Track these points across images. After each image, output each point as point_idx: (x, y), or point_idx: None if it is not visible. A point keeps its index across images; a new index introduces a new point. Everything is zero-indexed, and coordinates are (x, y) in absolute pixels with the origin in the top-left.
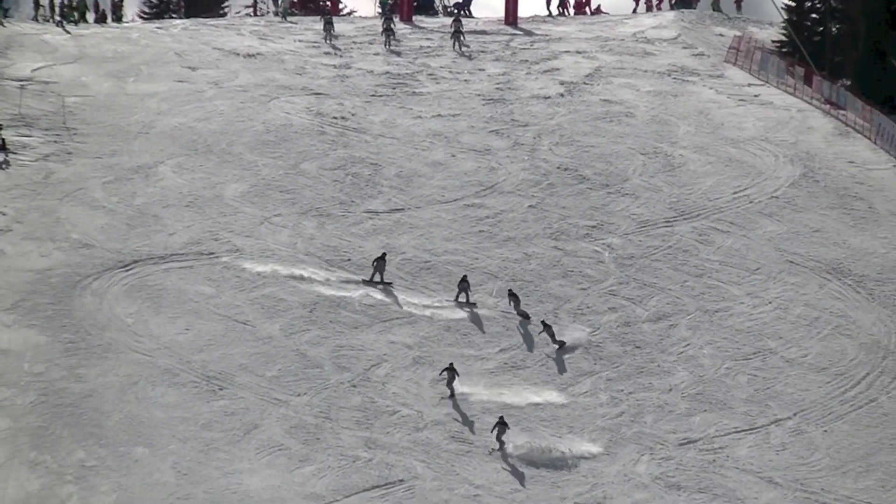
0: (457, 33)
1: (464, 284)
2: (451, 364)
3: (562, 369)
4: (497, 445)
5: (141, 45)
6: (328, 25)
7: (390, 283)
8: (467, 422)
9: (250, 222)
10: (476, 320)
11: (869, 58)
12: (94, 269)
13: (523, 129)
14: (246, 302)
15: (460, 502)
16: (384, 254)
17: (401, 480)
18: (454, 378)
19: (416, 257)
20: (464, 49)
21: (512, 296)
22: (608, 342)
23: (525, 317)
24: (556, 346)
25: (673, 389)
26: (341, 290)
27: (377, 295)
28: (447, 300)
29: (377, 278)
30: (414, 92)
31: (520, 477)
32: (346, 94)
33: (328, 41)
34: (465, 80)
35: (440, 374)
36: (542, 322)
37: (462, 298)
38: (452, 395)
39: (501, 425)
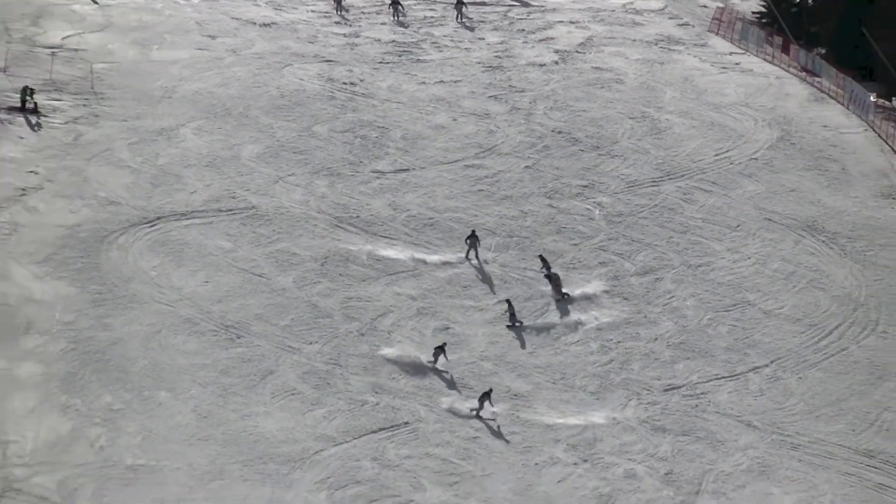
0: (459, 4)
1: (473, 241)
2: (444, 344)
3: (554, 320)
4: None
5: (164, 16)
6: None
7: (486, 261)
8: (467, 367)
9: (266, 181)
10: (476, 274)
11: (843, 28)
12: (120, 225)
13: (520, 95)
14: (261, 256)
15: (461, 443)
16: (473, 231)
17: (406, 423)
18: (441, 354)
19: (420, 214)
20: (465, 20)
21: (543, 260)
22: (599, 294)
23: (555, 278)
24: (559, 298)
25: (658, 339)
26: (350, 244)
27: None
28: (457, 256)
29: (472, 255)
30: (418, 59)
31: (517, 421)
32: (355, 62)
33: (339, 12)
34: (466, 49)
35: (432, 355)
36: (550, 275)
37: (472, 255)
38: (434, 362)
39: (485, 395)
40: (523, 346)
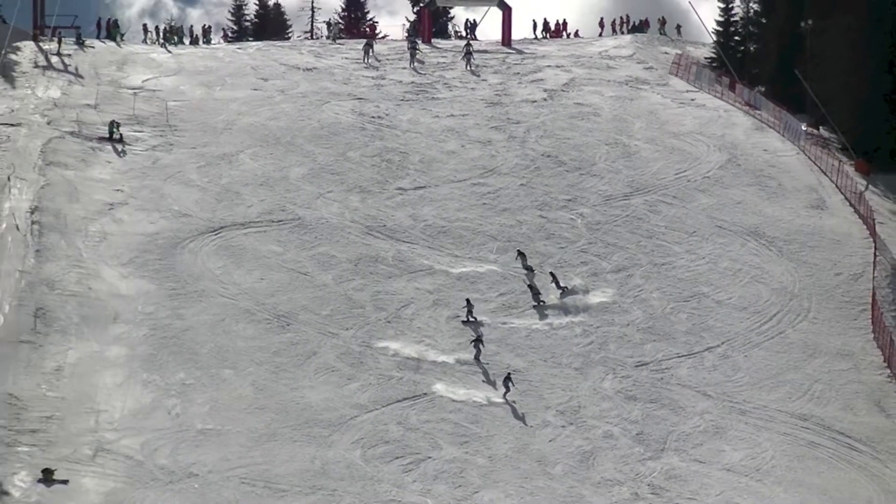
0: (467, 54)
1: (523, 260)
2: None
3: (546, 309)
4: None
5: (225, 62)
6: (367, 48)
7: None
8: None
9: (309, 197)
10: (480, 274)
11: (779, 70)
12: (191, 234)
13: (516, 126)
14: (306, 258)
15: (470, 410)
16: (519, 251)
17: (424, 394)
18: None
19: (435, 223)
20: (472, 67)
21: (520, 254)
22: (581, 289)
23: (530, 269)
24: (560, 291)
25: (630, 324)
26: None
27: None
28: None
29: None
30: (433, 97)
31: (516, 391)
32: (382, 99)
33: (367, 60)
34: (472, 88)
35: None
36: (550, 273)
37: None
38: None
39: (477, 340)
40: (480, 343)
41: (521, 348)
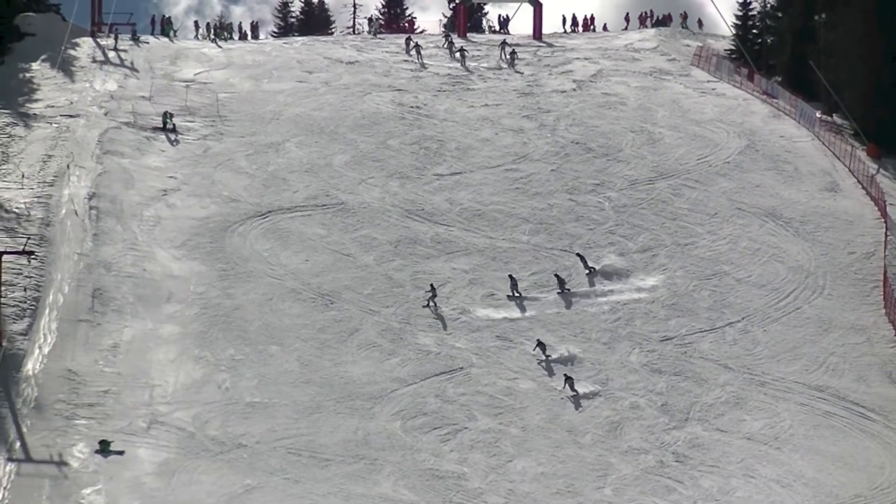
0: (503, 44)
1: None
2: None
3: (575, 287)
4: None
5: (272, 56)
6: (409, 41)
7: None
8: (508, 325)
9: (351, 183)
10: (514, 252)
11: (794, 61)
12: (240, 218)
13: (546, 115)
14: (349, 240)
15: (504, 383)
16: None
17: (461, 368)
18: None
19: (470, 207)
20: (510, 57)
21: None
22: (607, 268)
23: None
24: (587, 272)
25: (655, 301)
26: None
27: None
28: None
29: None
30: (468, 88)
31: (546, 368)
32: (420, 90)
33: (408, 52)
34: (505, 80)
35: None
36: (577, 254)
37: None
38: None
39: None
40: (444, 325)
41: (552, 324)
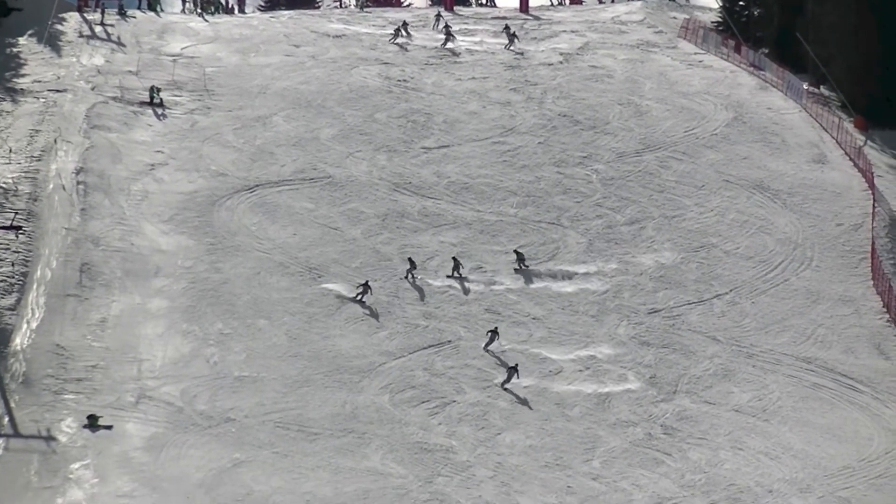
0: (511, 35)
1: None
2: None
3: (563, 259)
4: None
5: (259, 30)
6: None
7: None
8: (496, 297)
9: (339, 156)
10: (502, 225)
11: (781, 33)
12: (227, 192)
13: (533, 87)
14: (336, 214)
15: (492, 357)
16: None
17: (449, 341)
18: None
19: (458, 180)
20: (447, 30)
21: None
22: (596, 240)
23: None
24: (518, 268)
25: (643, 273)
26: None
27: (432, 207)
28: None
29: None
30: (455, 62)
31: (537, 341)
32: (407, 63)
33: (398, 37)
34: (492, 53)
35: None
36: (515, 251)
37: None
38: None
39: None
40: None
41: (540, 297)
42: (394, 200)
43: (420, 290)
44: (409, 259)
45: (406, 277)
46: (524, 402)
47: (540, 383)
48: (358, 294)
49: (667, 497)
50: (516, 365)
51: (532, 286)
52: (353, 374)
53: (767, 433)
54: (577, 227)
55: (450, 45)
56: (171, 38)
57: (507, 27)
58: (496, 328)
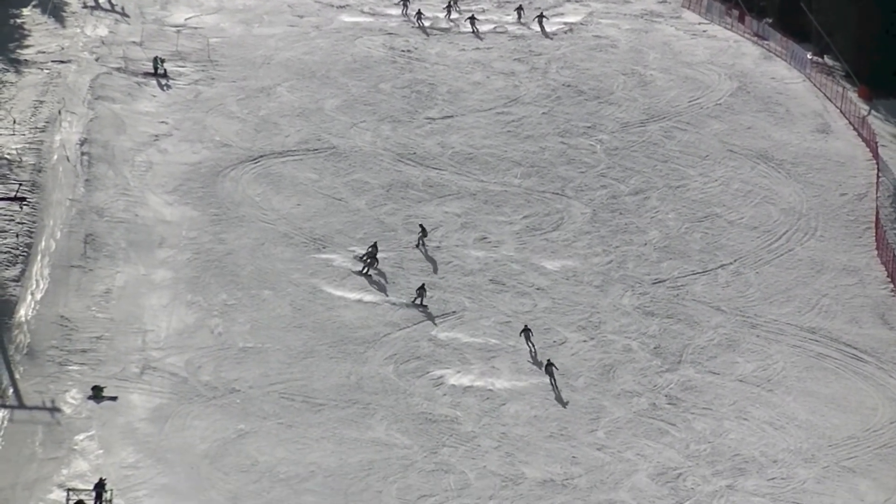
0: (520, 8)
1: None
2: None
3: (567, 229)
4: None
5: (263, 0)
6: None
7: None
8: (501, 268)
9: (343, 127)
10: (506, 195)
11: (785, 2)
12: (232, 162)
13: (538, 58)
14: (340, 184)
15: (495, 326)
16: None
17: (454, 312)
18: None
19: (462, 151)
20: (418, 15)
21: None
22: (600, 210)
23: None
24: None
25: (647, 244)
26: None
27: (436, 178)
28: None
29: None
30: (459, 31)
31: (539, 308)
32: (411, 34)
33: (405, 13)
34: (496, 23)
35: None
36: (420, 224)
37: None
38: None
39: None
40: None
41: (544, 269)
42: (398, 171)
43: (433, 260)
44: (420, 226)
45: (417, 246)
46: (529, 372)
47: (545, 352)
48: (364, 266)
49: (671, 467)
50: (549, 360)
51: (537, 257)
52: (357, 345)
53: (772, 403)
54: (582, 198)
55: (454, 15)
56: (175, 9)
57: (520, 7)
58: (423, 285)
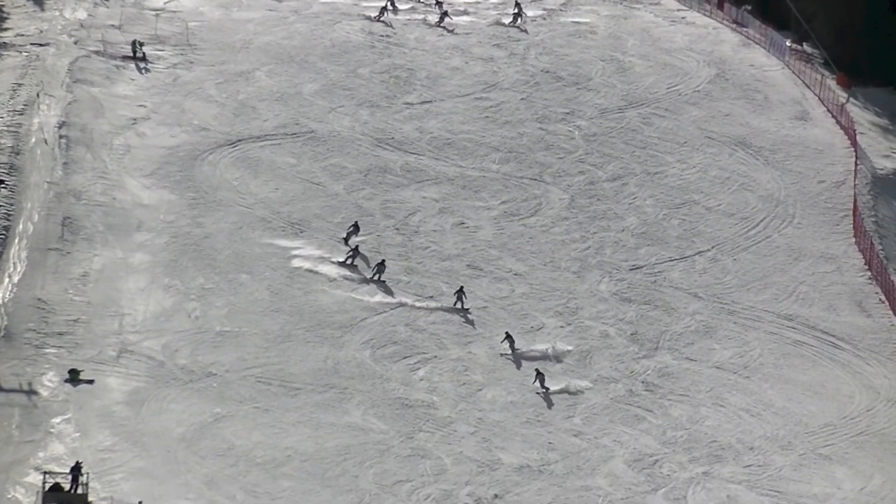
0: (518, 14)
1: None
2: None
3: (545, 215)
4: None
5: None
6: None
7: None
8: (478, 253)
9: (321, 111)
10: (484, 181)
11: None
12: (210, 146)
13: (516, 43)
14: (319, 169)
15: (474, 312)
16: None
17: (430, 296)
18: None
19: (440, 136)
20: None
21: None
22: (578, 196)
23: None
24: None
25: (625, 230)
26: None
27: (415, 163)
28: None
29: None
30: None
31: (516, 295)
32: (390, 19)
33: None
34: (474, 10)
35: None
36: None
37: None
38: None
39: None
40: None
41: (521, 253)
42: (376, 156)
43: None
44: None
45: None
46: (506, 358)
47: (522, 337)
48: (348, 257)
49: (648, 454)
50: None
51: (514, 242)
52: (334, 330)
53: (748, 390)
54: (560, 184)
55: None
56: None
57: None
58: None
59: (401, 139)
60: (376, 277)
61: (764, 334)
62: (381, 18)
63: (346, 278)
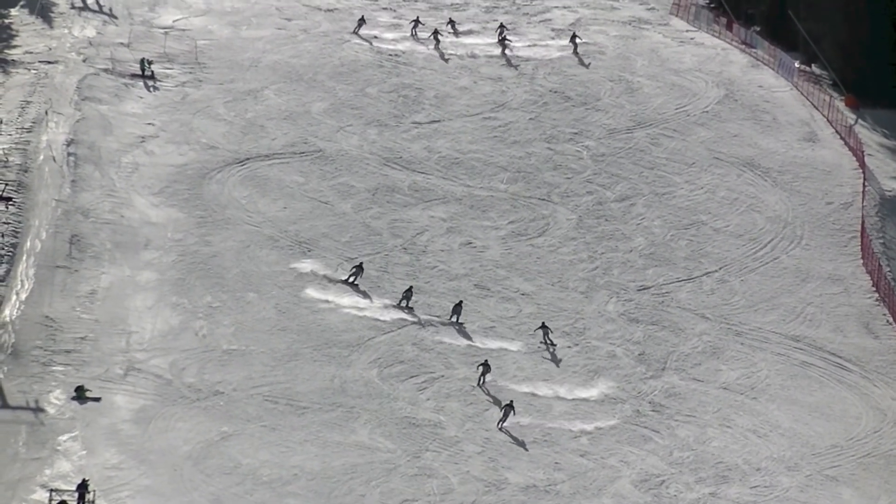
0: (503, 40)
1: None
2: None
3: (553, 235)
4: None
5: (251, 3)
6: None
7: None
8: (486, 273)
9: (330, 130)
10: (492, 201)
11: (773, 11)
12: (218, 165)
13: (525, 63)
14: (327, 188)
15: (482, 332)
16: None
17: (437, 316)
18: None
19: (449, 155)
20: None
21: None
22: (586, 217)
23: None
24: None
25: (633, 250)
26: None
27: (422, 182)
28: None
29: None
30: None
31: (523, 315)
32: (399, 38)
33: (413, 33)
34: (483, 29)
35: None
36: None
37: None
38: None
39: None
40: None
41: (529, 273)
42: (384, 175)
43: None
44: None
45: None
46: (513, 376)
47: (531, 356)
48: (350, 275)
49: (655, 474)
50: (511, 402)
51: (522, 262)
52: (342, 349)
53: (755, 411)
54: (568, 204)
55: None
56: (163, 11)
57: (501, 26)
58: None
59: (409, 158)
60: (404, 304)
61: (771, 355)
62: (357, 31)
63: (348, 293)
